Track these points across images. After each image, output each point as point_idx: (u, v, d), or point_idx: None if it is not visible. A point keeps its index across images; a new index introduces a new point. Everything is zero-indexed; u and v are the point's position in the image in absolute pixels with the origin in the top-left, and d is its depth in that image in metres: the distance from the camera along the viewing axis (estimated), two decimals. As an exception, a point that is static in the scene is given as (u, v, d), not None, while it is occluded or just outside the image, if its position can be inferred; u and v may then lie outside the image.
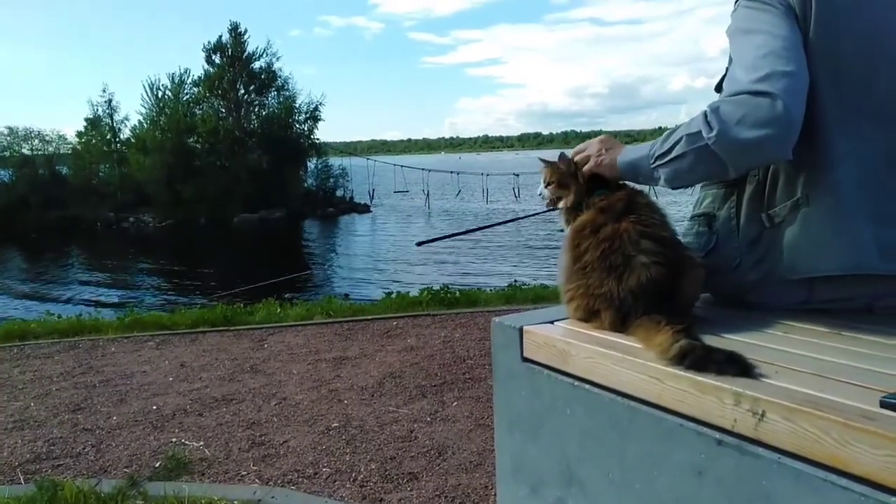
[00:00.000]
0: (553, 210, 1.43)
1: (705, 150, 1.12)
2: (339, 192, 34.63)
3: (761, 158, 1.18)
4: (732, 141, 1.09)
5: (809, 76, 1.16)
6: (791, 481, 0.82)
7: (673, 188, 1.26)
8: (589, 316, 1.24)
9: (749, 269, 1.28)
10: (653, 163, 1.22)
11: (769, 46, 1.14)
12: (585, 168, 1.36)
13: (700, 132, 1.12)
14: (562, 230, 1.44)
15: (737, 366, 0.95)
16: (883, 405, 0.80)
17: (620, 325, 1.17)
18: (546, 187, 1.40)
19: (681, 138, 1.16)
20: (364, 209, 32.44)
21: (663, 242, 1.21)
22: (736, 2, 1.29)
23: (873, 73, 1.21)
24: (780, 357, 1.02)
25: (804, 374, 0.95)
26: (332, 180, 34.86)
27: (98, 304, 12.65)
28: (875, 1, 1.22)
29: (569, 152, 1.44)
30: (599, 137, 1.41)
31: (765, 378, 0.94)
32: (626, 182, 1.35)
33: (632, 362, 1.06)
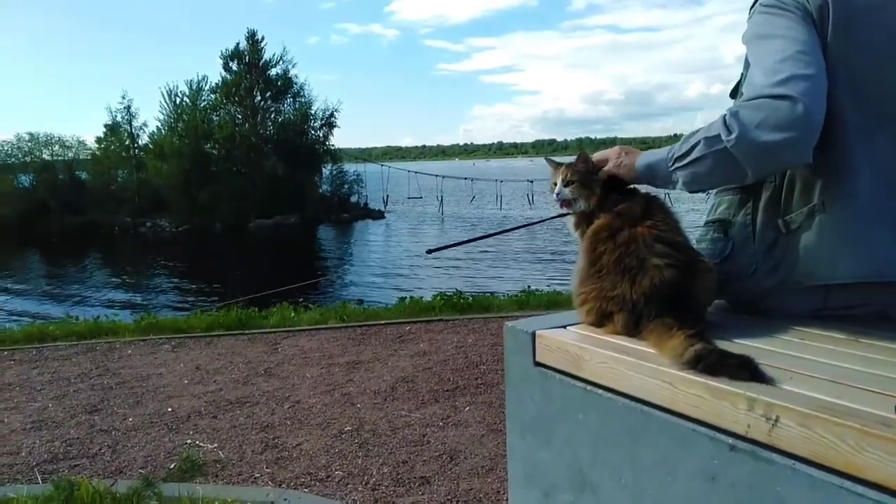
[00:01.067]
0: (567, 214, 1.41)
1: (724, 154, 1.11)
2: (353, 198, 34.78)
3: (781, 162, 1.17)
4: (752, 144, 1.08)
5: (830, 82, 1.15)
6: (805, 487, 0.82)
7: (690, 191, 1.25)
8: (601, 319, 1.24)
9: (765, 276, 1.27)
10: (671, 165, 1.22)
11: (788, 50, 1.13)
12: (604, 170, 1.36)
13: (719, 135, 1.11)
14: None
15: (748, 371, 0.95)
16: (899, 412, 0.80)
17: (633, 328, 1.17)
18: (566, 187, 1.36)
19: (699, 141, 1.15)
20: (378, 215, 32.55)
21: (677, 247, 1.21)
22: (752, 8, 1.29)
23: (891, 79, 1.20)
24: (795, 363, 1.02)
25: (820, 381, 0.94)
26: (346, 186, 35.04)
27: (115, 307, 12.80)
28: (893, 6, 1.21)
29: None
30: (618, 146, 1.40)
31: (779, 384, 0.93)
32: (638, 188, 1.35)
33: (645, 367, 1.06)
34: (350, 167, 36.33)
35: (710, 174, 1.17)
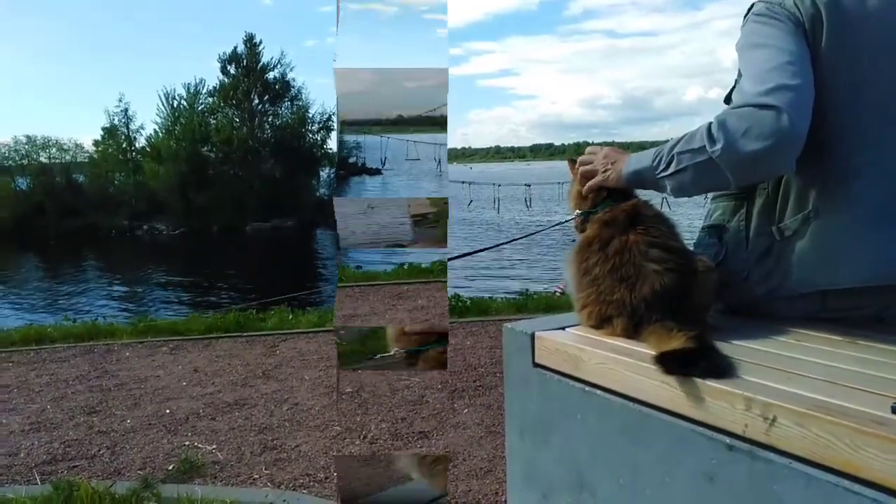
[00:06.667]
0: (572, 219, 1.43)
1: (709, 164, 1.13)
2: (351, 159, 34.60)
3: (764, 171, 1.18)
4: (737, 154, 1.10)
5: (826, 89, 1.17)
6: (802, 486, 0.83)
7: (676, 197, 1.27)
8: (601, 322, 1.24)
9: (757, 282, 1.28)
10: (658, 174, 1.23)
11: (776, 60, 1.15)
12: (592, 183, 1.36)
13: (704, 147, 1.13)
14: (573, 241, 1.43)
15: (713, 369, 0.98)
16: (894, 411, 0.81)
17: (633, 331, 1.18)
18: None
19: (684, 152, 1.17)
20: (375, 172, 32.36)
21: (672, 251, 1.22)
22: (745, 16, 1.31)
23: (891, 81, 1.22)
24: (791, 364, 1.03)
25: (816, 381, 0.95)
26: (346, 151, 34.94)
27: (112, 309, 12.77)
28: (889, 10, 1.22)
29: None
30: (603, 151, 1.41)
31: (776, 384, 0.94)
32: (633, 193, 1.36)
33: (643, 368, 1.07)
34: (350, 138, 36.22)
35: (695, 183, 1.19)
